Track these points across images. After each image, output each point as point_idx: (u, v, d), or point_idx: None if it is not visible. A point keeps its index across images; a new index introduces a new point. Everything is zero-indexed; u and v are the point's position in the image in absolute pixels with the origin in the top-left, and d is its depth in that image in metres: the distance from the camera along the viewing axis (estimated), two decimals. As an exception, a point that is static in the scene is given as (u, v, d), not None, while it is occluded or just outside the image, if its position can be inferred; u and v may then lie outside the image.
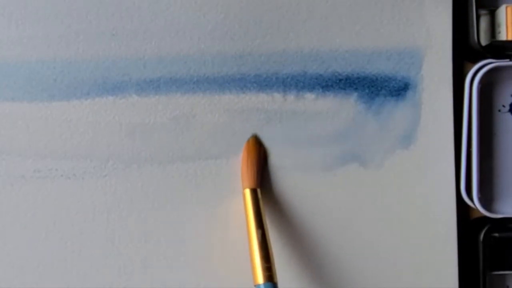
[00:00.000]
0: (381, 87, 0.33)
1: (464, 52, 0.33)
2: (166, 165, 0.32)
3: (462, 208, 0.32)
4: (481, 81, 0.31)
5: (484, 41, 0.32)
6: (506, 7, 0.31)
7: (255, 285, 0.29)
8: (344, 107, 0.33)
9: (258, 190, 0.31)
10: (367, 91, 0.33)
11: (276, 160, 0.32)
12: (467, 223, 0.33)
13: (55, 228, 0.32)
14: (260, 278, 0.29)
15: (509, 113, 0.32)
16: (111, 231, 0.32)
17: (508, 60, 0.31)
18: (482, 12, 0.32)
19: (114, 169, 0.32)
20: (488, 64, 0.31)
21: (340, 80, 0.33)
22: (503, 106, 0.32)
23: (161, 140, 0.32)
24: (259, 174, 0.31)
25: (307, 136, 0.32)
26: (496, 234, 0.32)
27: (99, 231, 0.32)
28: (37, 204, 0.32)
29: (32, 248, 0.32)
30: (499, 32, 0.31)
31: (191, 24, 0.32)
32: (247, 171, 0.31)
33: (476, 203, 0.31)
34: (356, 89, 0.33)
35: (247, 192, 0.31)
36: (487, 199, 0.32)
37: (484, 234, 0.32)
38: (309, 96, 0.33)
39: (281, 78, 0.32)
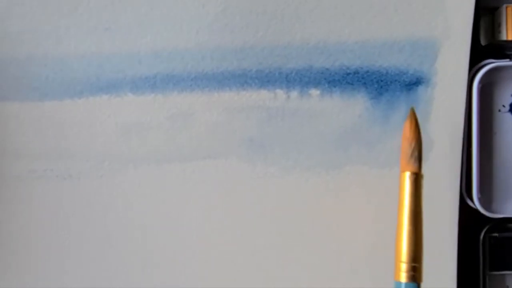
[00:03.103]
0: (391, 82, 0.31)
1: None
2: (163, 165, 0.31)
3: (462, 208, 0.32)
4: (481, 81, 0.31)
5: (484, 41, 0.32)
6: (506, 7, 0.31)
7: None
8: (351, 104, 0.31)
9: (422, 176, 0.28)
10: (376, 86, 0.31)
11: (278, 160, 0.31)
12: (467, 223, 0.32)
13: (51, 229, 0.32)
14: (403, 277, 0.27)
15: (509, 113, 0.32)
16: (107, 232, 0.32)
17: (508, 60, 0.31)
18: (482, 12, 0.31)
19: (110, 169, 0.31)
20: (488, 64, 0.31)
21: (348, 74, 0.31)
22: (503, 106, 0.32)
23: (158, 140, 0.31)
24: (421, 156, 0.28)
25: (311, 135, 0.31)
26: (496, 234, 0.32)
27: (95, 232, 0.32)
28: (33, 205, 0.32)
29: (28, 249, 0.32)
30: (499, 32, 0.31)
31: (188, 16, 0.30)
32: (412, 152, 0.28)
33: (476, 203, 0.31)
34: (364, 83, 0.31)
35: (407, 176, 0.28)
36: (487, 199, 0.32)
37: (484, 234, 0.32)
38: (314, 92, 0.31)
39: (285, 73, 0.31)
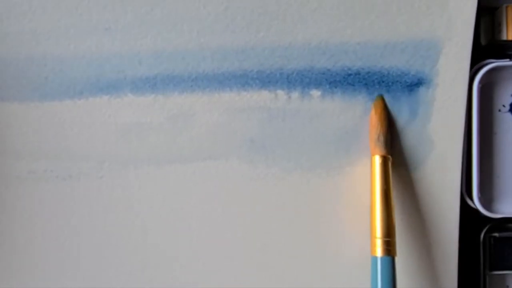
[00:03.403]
0: (392, 83, 0.31)
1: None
2: (163, 166, 0.31)
3: (462, 208, 0.32)
4: (481, 81, 0.31)
5: (484, 41, 0.32)
6: (506, 7, 0.31)
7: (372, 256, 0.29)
8: (352, 105, 0.31)
9: (389, 158, 0.30)
10: (377, 87, 0.31)
11: (279, 161, 0.31)
12: (467, 223, 0.32)
13: (51, 229, 0.32)
14: (378, 251, 0.29)
15: (509, 113, 0.32)
16: (107, 233, 0.32)
17: (508, 60, 0.31)
18: (482, 12, 0.31)
19: (110, 170, 0.31)
20: (488, 64, 0.31)
21: (349, 75, 0.31)
22: (503, 106, 0.32)
23: (158, 141, 0.31)
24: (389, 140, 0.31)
25: (312, 136, 0.31)
26: (496, 234, 0.32)
27: (95, 233, 0.32)
28: (33, 205, 0.31)
29: (28, 250, 0.32)
30: (499, 32, 0.31)
31: (189, 16, 0.30)
32: (380, 137, 0.30)
33: (476, 203, 0.31)
34: (365, 84, 0.31)
35: (377, 159, 0.30)
36: (487, 199, 0.32)
37: (484, 234, 0.32)
38: (315, 93, 0.31)
39: (286, 74, 0.31)
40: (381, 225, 0.29)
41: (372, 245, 0.30)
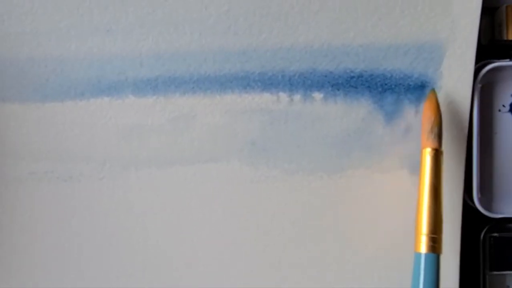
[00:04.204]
0: (395, 85, 0.31)
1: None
2: (164, 168, 0.31)
3: (462, 208, 0.32)
4: (481, 81, 0.31)
5: (484, 41, 0.32)
6: (506, 7, 0.31)
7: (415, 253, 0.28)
8: (354, 107, 0.31)
9: (442, 151, 0.29)
10: (380, 89, 0.31)
11: (280, 163, 0.31)
12: (467, 223, 0.32)
13: (51, 231, 0.32)
14: (423, 248, 0.28)
15: (509, 113, 0.32)
16: (108, 234, 0.31)
17: (508, 60, 0.31)
18: (482, 12, 0.31)
19: (111, 171, 0.31)
20: (488, 64, 0.31)
21: (352, 77, 0.31)
22: (503, 106, 0.32)
23: (159, 142, 0.31)
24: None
25: (314, 139, 0.31)
26: (496, 234, 0.32)
27: (96, 235, 0.31)
28: (33, 206, 0.31)
29: (28, 251, 0.32)
30: (499, 32, 0.31)
31: (191, 18, 0.30)
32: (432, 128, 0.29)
33: (476, 203, 0.31)
34: (368, 87, 0.31)
35: (428, 152, 0.29)
36: (487, 199, 0.32)
37: (484, 234, 0.32)
38: (318, 95, 0.31)
39: (288, 76, 0.31)
40: (428, 221, 0.28)
41: (417, 241, 0.28)
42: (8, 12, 0.30)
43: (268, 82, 0.31)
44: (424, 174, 0.29)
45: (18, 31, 0.30)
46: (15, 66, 0.30)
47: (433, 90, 0.30)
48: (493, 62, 0.31)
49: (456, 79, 0.30)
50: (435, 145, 0.29)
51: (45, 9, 0.30)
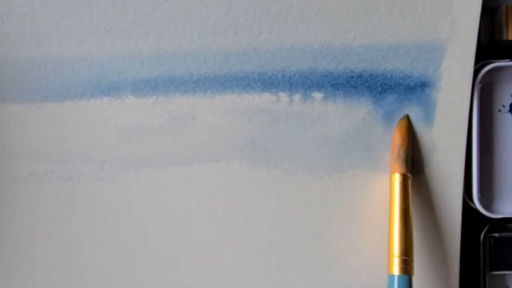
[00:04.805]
0: (395, 85, 0.31)
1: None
2: (164, 168, 0.31)
3: (463, 208, 0.32)
4: (481, 81, 0.31)
5: (484, 41, 0.32)
6: (506, 7, 0.31)
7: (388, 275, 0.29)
8: (354, 107, 0.31)
9: (409, 176, 0.30)
10: (379, 89, 0.31)
11: (280, 163, 0.31)
12: (467, 223, 0.32)
13: (51, 231, 0.32)
14: (396, 270, 0.29)
15: (509, 113, 0.32)
16: (108, 234, 0.32)
17: (508, 60, 0.31)
18: (482, 12, 0.31)
19: (110, 172, 0.31)
20: (488, 64, 0.31)
21: (352, 77, 0.31)
22: (503, 106, 0.32)
23: (159, 142, 0.31)
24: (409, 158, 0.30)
25: (314, 139, 0.31)
26: (496, 234, 0.32)
27: (95, 235, 0.32)
28: (33, 206, 0.31)
29: (28, 251, 0.32)
30: (499, 32, 0.31)
31: (191, 18, 0.30)
32: (401, 155, 0.30)
33: (476, 203, 0.31)
34: (368, 87, 0.31)
35: (396, 177, 0.30)
36: (487, 199, 0.32)
37: (484, 234, 0.32)
38: (317, 95, 0.31)
39: (288, 76, 0.31)
40: (399, 243, 0.29)
41: (390, 263, 0.29)
42: (8, 12, 0.30)
43: (268, 82, 0.31)
44: (394, 198, 0.30)
45: (18, 31, 0.30)
46: (15, 66, 0.30)
47: (406, 116, 0.31)
48: (493, 62, 0.31)
49: (456, 79, 0.30)
50: (403, 170, 0.30)
51: (45, 9, 0.30)
